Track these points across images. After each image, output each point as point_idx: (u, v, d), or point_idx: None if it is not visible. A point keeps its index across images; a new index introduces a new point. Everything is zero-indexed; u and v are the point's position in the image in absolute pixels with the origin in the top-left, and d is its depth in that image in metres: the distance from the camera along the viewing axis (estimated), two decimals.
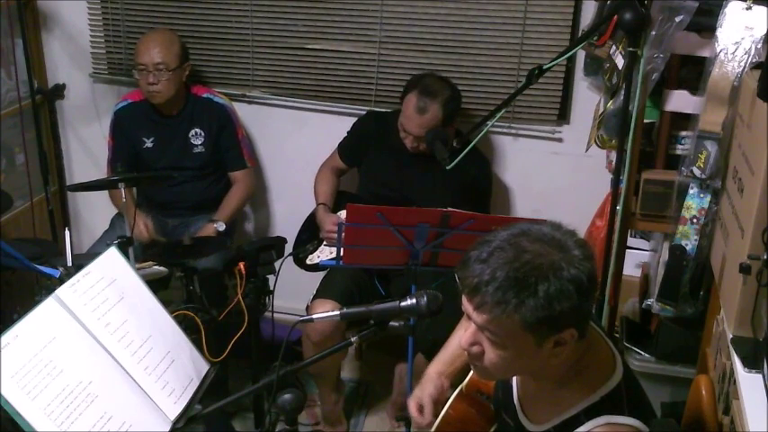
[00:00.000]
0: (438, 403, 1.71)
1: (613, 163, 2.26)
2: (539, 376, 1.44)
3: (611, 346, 1.46)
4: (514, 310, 1.25)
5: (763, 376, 1.55)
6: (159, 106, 3.03)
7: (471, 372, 1.68)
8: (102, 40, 3.39)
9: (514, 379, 1.57)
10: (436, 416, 1.70)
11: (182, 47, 3.01)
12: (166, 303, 1.78)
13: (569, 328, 1.30)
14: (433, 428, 1.70)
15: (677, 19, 2.04)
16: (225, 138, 3.11)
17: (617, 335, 2.56)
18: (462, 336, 1.39)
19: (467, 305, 1.33)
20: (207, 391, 1.69)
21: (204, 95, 3.11)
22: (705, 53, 2.08)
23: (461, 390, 1.73)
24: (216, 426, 2.58)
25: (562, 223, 1.37)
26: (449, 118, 2.70)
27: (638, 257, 2.82)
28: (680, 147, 2.28)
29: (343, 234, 2.34)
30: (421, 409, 1.71)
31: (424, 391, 1.72)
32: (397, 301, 1.55)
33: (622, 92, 2.10)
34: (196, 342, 1.83)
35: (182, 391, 1.63)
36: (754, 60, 1.94)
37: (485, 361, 1.37)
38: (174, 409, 1.59)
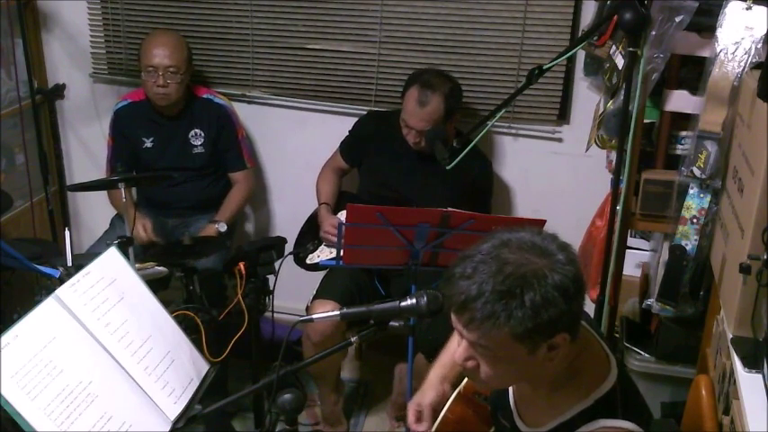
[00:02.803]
0: (437, 410, 1.71)
1: (613, 163, 2.26)
2: (536, 383, 1.44)
3: (605, 348, 1.46)
4: (504, 323, 1.24)
5: (763, 376, 1.55)
6: (162, 107, 3.03)
7: None
8: (102, 40, 3.39)
9: None
10: (433, 423, 1.70)
11: (189, 49, 3.01)
12: (166, 303, 1.78)
13: (560, 333, 1.30)
14: (432, 430, 1.70)
15: (677, 19, 2.04)
16: (225, 138, 3.11)
17: (617, 335, 2.56)
18: (456, 351, 1.39)
19: (456, 323, 1.33)
20: (207, 391, 1.69)
21: (204, 96, 3.11)
22: (705, 53, 2.08)
23: (459, 391, 1.73)
24: (216, 426, 2.59)
25: (543, 229, 1.38)
26: (450, 111, 2.70)
27: (638, 257, 2.81)
28: (680, 147, 2.28)
29: (344, 234, 2.34)
30: (419, 416, 1.70)
31: (425, 398, 1.72)
32: (397, 301, 1.55)
33: (622, 92, 2.10)
34: (196, 342, 1.83)
35: (182, 391, 1.63)
36: (754, 60, 1.94)
37: (481, 374, 1.37)
38: (174, 409, 1.59)
